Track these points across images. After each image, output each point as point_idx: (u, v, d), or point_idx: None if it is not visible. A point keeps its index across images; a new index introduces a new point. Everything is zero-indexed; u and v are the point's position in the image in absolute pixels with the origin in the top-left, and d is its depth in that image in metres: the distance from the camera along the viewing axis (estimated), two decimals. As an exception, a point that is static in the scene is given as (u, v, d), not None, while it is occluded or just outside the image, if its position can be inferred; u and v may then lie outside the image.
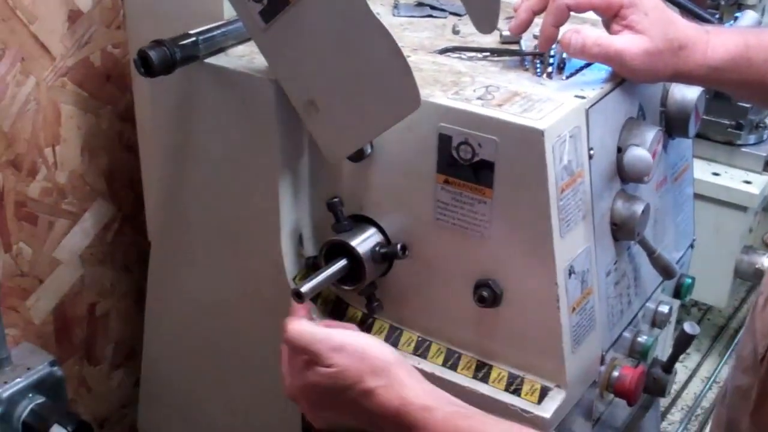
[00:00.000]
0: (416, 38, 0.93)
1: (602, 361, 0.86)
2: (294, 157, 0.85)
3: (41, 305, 1.10)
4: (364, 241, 0.81)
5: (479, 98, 0.77)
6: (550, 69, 0.84)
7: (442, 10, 1.02)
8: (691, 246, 1.09)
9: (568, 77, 0.84)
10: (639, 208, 0.84)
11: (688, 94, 0.93)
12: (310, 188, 0.87)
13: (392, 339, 0.86)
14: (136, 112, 1.07)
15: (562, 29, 0.82)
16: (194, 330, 1.00)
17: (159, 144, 0.96)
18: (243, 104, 0.84)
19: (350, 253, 0.81)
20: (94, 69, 1.07)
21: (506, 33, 0.90)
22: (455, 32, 0.95)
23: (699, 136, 1.42)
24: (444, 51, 0.90)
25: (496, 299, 0.78)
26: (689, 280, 1.07)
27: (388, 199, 0.82)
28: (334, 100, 0.76)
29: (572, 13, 0.81)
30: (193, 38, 0.83)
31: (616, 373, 0.88)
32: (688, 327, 0.96)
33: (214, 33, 0.85)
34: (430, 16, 1.01)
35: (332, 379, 0.70)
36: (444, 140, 0.76)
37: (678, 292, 1.07)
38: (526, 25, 0.85)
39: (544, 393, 0.79)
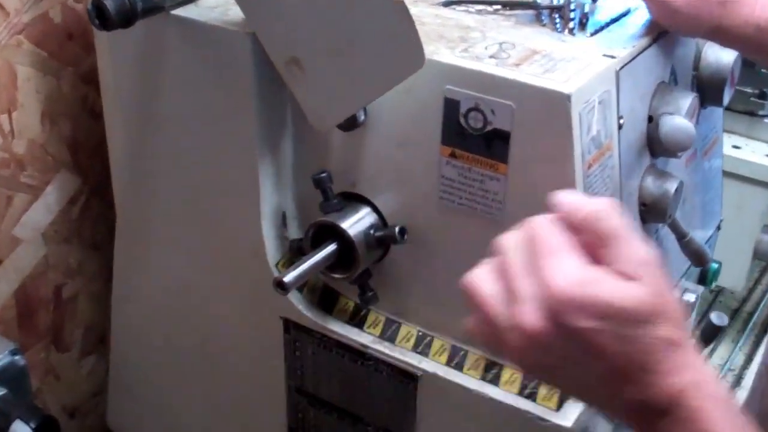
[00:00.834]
0: (416, -12, 0.84)
1: (626, 359, 0.78)
2: (276, 125, 0.78)
3: (1, 288, 1.04)
4: (357, 223, 0.75)
5: (492, 56, 0.68)
6: (571, 24, 0.76)
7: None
8: (718, 227, 1.03)
9: (592, 34, 0.75)
10: (672, 186, 0.76)
11: (723, 57, 0.84)
12: (294, 161, 0.80)
13: (389, 333, 0.78)
14: (99, 73, 0.99)
15: None
16: (165, 317, 0.95)
17: (122, 109, 0.89)
18: (216, 63, 0.77)
19: (340, 236, 0.74)
20: (53, 26, 0.99)
21: (520, -17, 0.81)
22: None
23: (719, 105, 1.36)
24: (448, 3, 0.81)
25: None
26: (716, 265, 1.00)
27: (385, 174, 0.74)
28: (322, 57, 0.68)
29: None
30: (157, -15, 0.75)
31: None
32: (716, 318, 0.89)
33: (182, -21, 0.77)
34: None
35: (635, 300, 0.47)
36: (450, 106, 0.68)
37: (703, 278, 1.00)
38: None
39: (563, 397, 0.71)
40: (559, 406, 0.71)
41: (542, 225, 0.50)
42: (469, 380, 0.74)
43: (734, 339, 1.68)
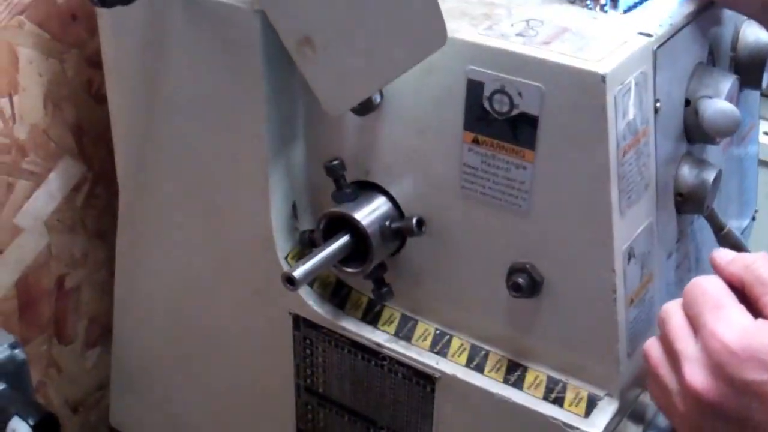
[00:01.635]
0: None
1: (658, 360, 0.75)
2: (286, 110, 0.75)
3: (1, 279, 1.03)
4: (371, 214, 0.72)
5: (519, 34, 0.65)
6: (603, 1, 0.72)
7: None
8: (753, 217, 1.00)
9: (625, 11, 0.71)
10: (710, 175, 0.72)
11: (762, 36, 0.81)
12: (305, 148, 0.78)
13: (404, 331, 0.76)
14: (102, 55, 0.98)
15: None
16: (169, 312, 0.93)
17: (124, 92, 0.88)
18: (222, 43, 0.74)
19: (354, 227, 0.72)
20: (56, 6, 0.98)
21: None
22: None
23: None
24: (471, -21, 0.77)
25: (535, 288, 0.67)
26: (750, 259, 0.96)
27: (402, 161, 0.72)
28: (336, 36, 0.65)
29: None
30: (160, -42, 0.73)
31: (672, 374, 0.76)
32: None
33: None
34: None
35: None
36: (474, 88, 0.64)
37: None
38: None
39: (592, 403, 0.68)
40: (588, 412, 0.67)
41: (704, 283, 0.49)
42: (491, 383, 0.71)
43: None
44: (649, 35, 0.66)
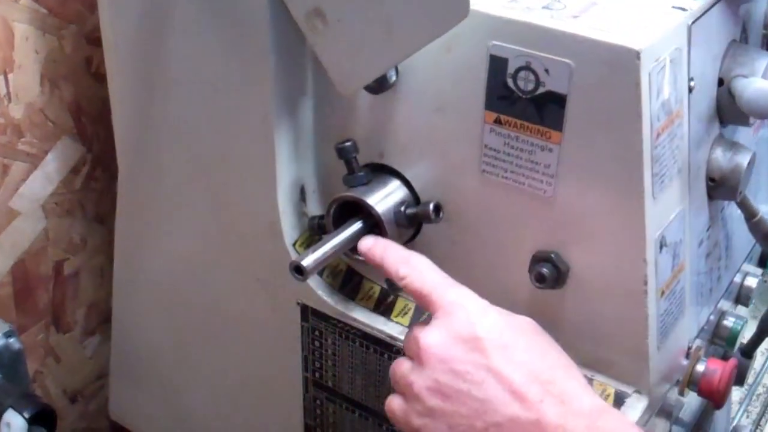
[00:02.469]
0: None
1: (687, 354, 0.73)
2: (294, 87, 0.73)
3: None
4: (385, 198, 0.70)
5: (545, 7, 0.61)
6: None
7: None
8: None
9: None
10: (744, 159, 0.69)
11: None
12: (315, 128, 0.76)
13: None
14: (102, 30, 0.96)
15: None
16: (170, 300, 0.92)
17: (124, 69, 0.86)
18: (227, 17, 0.72)
19: (367, 213, 0.70)
20: None
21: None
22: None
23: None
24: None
25: (560, 278, 0.65)
26: (781, 246, 0.94)
27: (418, 143, 0.69)
28: (349, 7, 0.62)
29: None
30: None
31: (701, 368, 0.74)
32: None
33: None
34: None
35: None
36: (497, 64, 0.61)
37: (764, 261, 0.94)
38: None
39: (620, 400, 0.65)
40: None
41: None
42: (511, 378, 0.68)
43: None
44: (683, 9, 0.63)
